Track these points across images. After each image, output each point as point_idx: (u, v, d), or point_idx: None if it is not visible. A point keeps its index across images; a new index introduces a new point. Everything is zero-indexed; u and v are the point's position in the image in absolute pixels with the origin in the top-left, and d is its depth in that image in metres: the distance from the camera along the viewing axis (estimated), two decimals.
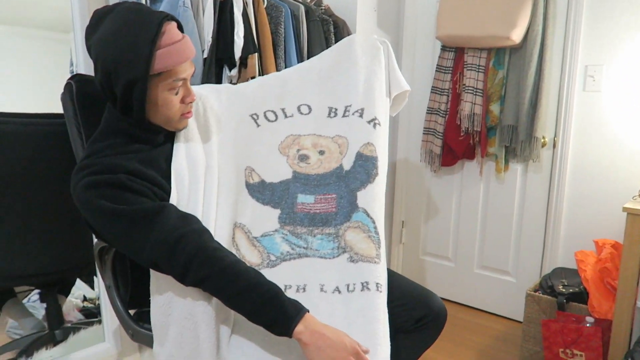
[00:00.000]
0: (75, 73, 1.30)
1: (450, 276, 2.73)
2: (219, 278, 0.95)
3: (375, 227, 1.15)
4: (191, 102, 1.11)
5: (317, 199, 1.22)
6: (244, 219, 1.19)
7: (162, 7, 1.58)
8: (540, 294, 2.02)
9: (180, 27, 1.10)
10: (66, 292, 2.23)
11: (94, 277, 2.14)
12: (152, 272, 1.08)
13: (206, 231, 1.03)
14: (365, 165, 1.22)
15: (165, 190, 1.10)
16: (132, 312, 1.31)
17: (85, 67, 1.70)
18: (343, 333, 0.95)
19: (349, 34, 2.26)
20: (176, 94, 1.07)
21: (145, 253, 0.99)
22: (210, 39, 1.63)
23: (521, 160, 2.36)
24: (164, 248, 0.97)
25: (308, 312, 0.96)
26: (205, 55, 1.64)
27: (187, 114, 1.13)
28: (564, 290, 1.96)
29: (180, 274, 0.97)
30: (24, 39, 2.05)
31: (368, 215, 1.16)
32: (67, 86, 1.24)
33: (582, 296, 1.92)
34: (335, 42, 2.15)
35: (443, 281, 2.75)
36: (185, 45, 1.05)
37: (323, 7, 2.26)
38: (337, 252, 1.14)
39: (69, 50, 2.08)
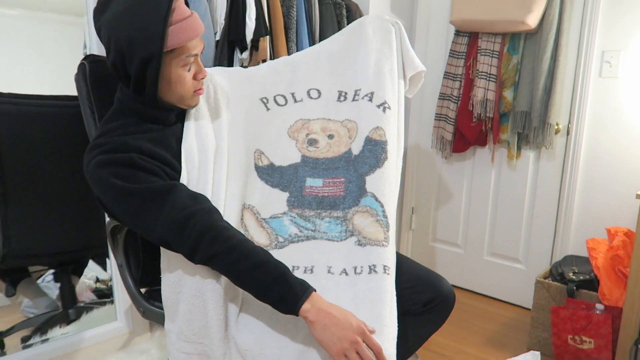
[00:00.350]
0: (88, 54, 1.31)
1: (460, 263, 2.72)
2: (228, 256, 0.96)
3: (383, 211, 1.15)
4: (203, 78, 1.12)
5: (326, 183, 1.22)
6: (253, 201, 1.20)
7: None
8: (550, 281, 2.01)
9: (187, 3, 1.11)
10: (79, 273, 2.27)
11: (107, 259, 2.17)
12: (162, 250, 1.10)
13: (215, 210, 1.04)
14: (374, 150, 1.22)
15: (176, 169, 1.11)
16: (143, 290, 1.33)
17: (98, 49, 1.71)
18: (349, 312, 0.96)
19: None
20: (188, 70, 1.08)
21: (156, 231, 1.00)
22: (223, 21, 1.63)
23: (534, 147, 2.33)
24: (174, 226, 0.98)
25: (315, 291, 0.97)
26: (217, 38, 1.63)
27: (199, 90, 1.14)
28: (574, 277, 1.95)
29: (189, 252, 0.98)
30: (39, 22, 2.06)
31: (377, 199, 1.16)
32: (81, 67, 1.25)
33: (592, 284, 1.91)
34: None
35: (453, 268, 2.75)
36: (195, 21, 1.06)
37: None
38: (345, 235, 1.14)
39: (79, 34, 2.10)
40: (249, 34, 1.64)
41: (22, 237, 1.73)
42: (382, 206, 1.15)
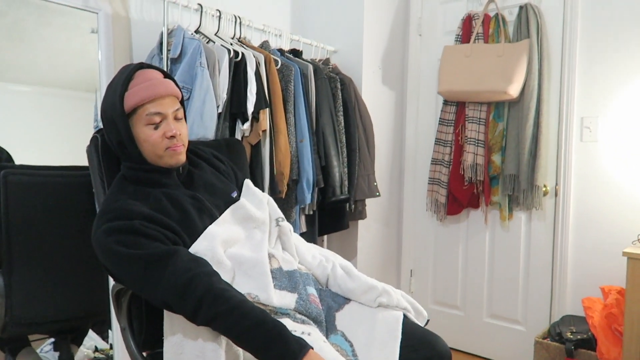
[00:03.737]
0: (99, 128, 1.42)
1: (460, 325, 2.72)
2: (228, 316, 1.00)
3: (353, 350, 1.16)
4: (173, 137, 1.20)
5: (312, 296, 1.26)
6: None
7: (181, 68, 1.72)
8: (549, 341, 2.02)
9: (166, 75, 1.25)
10: (79, 342, 2.26)
11: (109, 330, 2.17)
12: (165, 313, 1.14)
13: (215, 273, 1.09)
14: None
15: (177, 233, 1.16)
16: (145, 354, 1.36)
17: None
18: None
19: (355, 91, 2.40)
20: (155, 128, 1.19)
21: (159, 294, 1.06)
22: (225, 96, 1.76)
23: (524, 209, 2.41)
24: (176, 289, 1.03)
25: (312, 349, 0.99)
26: (220, 110, 1.76)
27: (174, 147, 1.21)
28: (572, 337, 1.97)
29: (191, 314, 1.03)
30: (50, 97, 2.18)
31: (346, 339, 1.19)
32: (93, 139, 1.35)
33: (590, 343, 1.92)
34: (342, 98, 2.30)
35: (453, 330, 2.74)
36: (157, 83, 1.19)
37: (330, 66, 2.41)
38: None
39: (91, 108, 2.23)
40: (250, 107, 1.77)
41: (25, 305, 1.75)
42: (351, 345, 1.18)
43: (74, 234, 1.81)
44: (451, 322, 2.75)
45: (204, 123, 1.68)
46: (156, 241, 1.10)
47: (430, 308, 2.84)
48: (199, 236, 1.19)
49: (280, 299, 1.18)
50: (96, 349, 2.36)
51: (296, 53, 2.29)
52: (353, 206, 2.34)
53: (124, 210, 1.13)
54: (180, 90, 1.29)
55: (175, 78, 1.68)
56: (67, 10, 1.79)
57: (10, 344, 2.04)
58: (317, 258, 1.39)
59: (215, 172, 1.39)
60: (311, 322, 1.17)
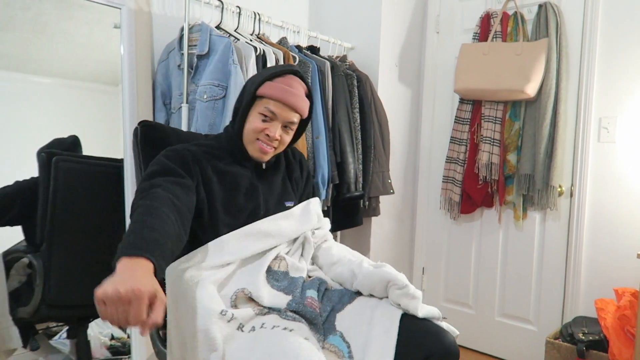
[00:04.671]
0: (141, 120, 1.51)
1: (471, 323, 2.73)
2: (133, 208, 1.08)
3: (350, 352, 1.15)
4: (267, 137, 1.30)
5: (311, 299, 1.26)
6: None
7: (214, 65, 1.76)
8: (561, 342, 2.02)
9: (309, 90, 1.38)
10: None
11: None
12: (168, 290, 1.17)
13: (168, 199, 1.10)
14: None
15: (198, 193, 1.24)
16: (161, 333, 1.39)
17: (130, 114, 1.88)
18: (149, 281, 0.87)
19: (371, 88, 2.41)
20: (263, 121, 1.29)
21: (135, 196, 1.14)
22: None
23: (539, 209, 2.41)
24: (138, 191, 1.14)
25: (152, 262, 0.91)
26: None
27: (262, 145, 1.31)
28: (584, 337, 1.97)
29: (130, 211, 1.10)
30: (71, 90, 2.23)
31: (344, 339, 1.18)
32: (134, 130, 1.45)
33: (602, 344, 1.92)
34: (359, 95, 2.31)
35: (464, 328, 2.75)
36: (294, 95, 1.29)
37: (347, 63, 2.43)
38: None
39: (111, 101, 2.28)
40: None
41: (60, 288, 1.83)
42: (349, 346, 1.16)
43: (106, 222, 1.91)
44: (462, 320, 2.76)
45: None
46: (185, 172, 1.22)
47: (442, 306, 2.85)
48: (232, 216, 1.29)
49: (272, 298, 1.21)
50: (112, 337, 2.41)
51: (314, 50, 2.31)
52: (367, 203, 2.36)
53: (190, 146, 1.31)
54: (310, 114, 1.41)
55: (208, 75, 1.75)
56: (90, 4, 1.83)
57: (22, 331, 2.08)
58: (347, 257, 1.40)
59: (285, 177, 1.46)
60: (302, 321, 1.17)
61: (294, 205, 1.44)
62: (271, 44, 2.02)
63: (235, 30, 1.98)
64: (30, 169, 1.86)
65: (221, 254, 1.24)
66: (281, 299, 1.22)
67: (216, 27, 1.93)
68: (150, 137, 1.43)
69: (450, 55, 2.76)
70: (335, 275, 1.38)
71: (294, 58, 2.02)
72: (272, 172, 1.43)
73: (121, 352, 2.29)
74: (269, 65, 1.84)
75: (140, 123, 1.44)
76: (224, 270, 1.23)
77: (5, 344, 1.76)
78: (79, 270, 1.85)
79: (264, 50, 1.85)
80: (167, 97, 1.98)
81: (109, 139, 2.22)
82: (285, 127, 1.34)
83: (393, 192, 2.46)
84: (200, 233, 1.28)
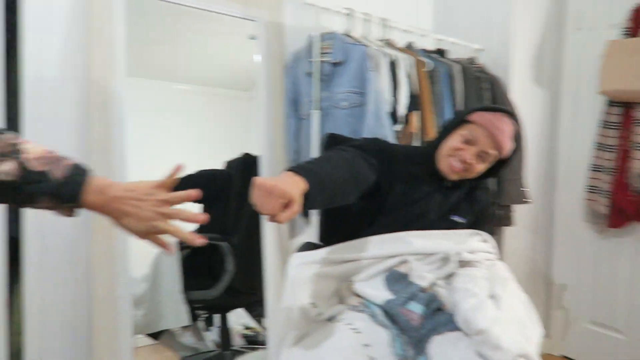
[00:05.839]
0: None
1: (621, 351, 2.42)
2: None
3: None
4: (461, 159, 1.34)
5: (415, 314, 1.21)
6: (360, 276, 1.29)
7: (351, 73, 1.82)
8: None
9: (518, 136, 1.40)
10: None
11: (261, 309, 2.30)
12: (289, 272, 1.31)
13: (347, 160, 1.24)
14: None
15: (380, 187, 1.34)
16: None
17: (266, 119, 1.99)
18: (294, 190, 0.99)
19: (502, 91, 2.28)
20: (461, 142, 1.35)
21: None
22: (390, 97, 1.82)
23: None
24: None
25: (304, 182, 1.03)
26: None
27: (455, 165, 1.35)
28: None
29: None
30: (208, 96, 2.42)
31: None
32: (322, 138, 1.70)
33: None
34: (490, 99, 2.20)
35: (612, 355, 2.45)
36: (498, 128, 1.33)
37: (477, 65, 2.33)
38: None
39: (242, 105, 2.44)
40: (402, 109, 1.79)
41: (245, 274, 2.06)
42: None
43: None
44: (610, 346, 2.46)
45: (381, 123, 1.77)
46: (373, 159, 1.33)
47: (587, 328, 2.57)
48: (397, 213, 1.37)
49: (371, 288, 1.23)
50: (246, 327, 2.54)
51: (441, 53, 2.26)
52: (500, 212, 2.23)
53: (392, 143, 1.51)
54: (510, 158, 1.42)
55: (346, 83, 1.82)
56: (225, 17, 1.97)
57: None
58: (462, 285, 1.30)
59: (465, 194, 1.46)
60: (393, 329, 1.15)
61: (464, 222, 1.44)
62: (399, 49, 2.01)
63: (363, 37, 2.00)
64: (171, 166, 2.07)
65: (358, 251, 1.29)
66: (380, 294, 1.22)
67: (345, 35, 1.96)
68: (330, 143, 1.58)
69: (592, 54, 2.50)
70: (452, 302, 1.28)
71: (424, 63, 1.99)
72: (453, 189, 1.45)
73: (253, 342, 2.39)
74: (400, 72, 1.83)
75: (326, 135, 1.64)
76: (349, 264, 1.29)
77: (174, 321, 1.95)
78: (260, 260, 2.03)
79: (395, 56, 1.84)
80: (296, 104, 2.05)
81: (240, 139, 2.39)
82: (481, 156, 1.35)
83: (529, 201, 2.29)
84: (359, 210, 1.39)
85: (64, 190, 0.75)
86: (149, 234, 0.83)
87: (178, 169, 0.90)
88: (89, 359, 1.66)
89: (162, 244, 0.84)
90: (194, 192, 0.87)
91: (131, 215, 0.80)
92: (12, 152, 0.72)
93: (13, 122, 1.75)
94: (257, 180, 0.96)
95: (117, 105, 1.67)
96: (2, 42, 1.55)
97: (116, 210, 0.80)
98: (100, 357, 1.63)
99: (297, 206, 0.97)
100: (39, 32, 1.60)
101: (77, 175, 0.77)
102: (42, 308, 1.62)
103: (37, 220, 1.58)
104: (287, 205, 0.96)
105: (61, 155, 0.77)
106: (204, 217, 0.87)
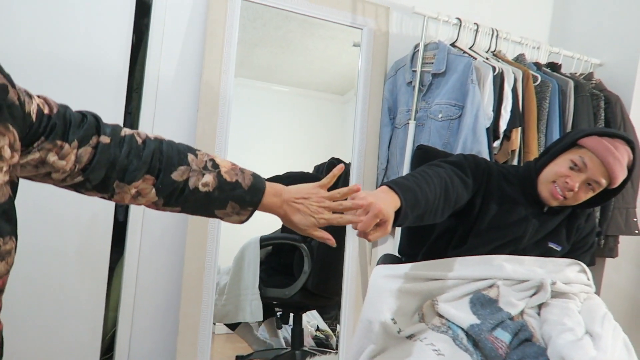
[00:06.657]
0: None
1: None
2: None
3: None
4: (566, 184, 1.24)
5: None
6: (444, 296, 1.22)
7: (452, 84, 1.75)
8: None
9: (634, 164, 1.27)
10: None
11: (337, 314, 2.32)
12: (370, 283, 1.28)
13: (443, 178, 1.19)
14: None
15: (473, 204, 1.29)
16: None
17: (361, 125, 1.98)
18: (389, 209, 0.99)
19: (622, 110, 2.08)
20: (569, 167, 1.24)
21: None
22: (492, 113, 1.72)
23: None
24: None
25: (400, 200, 1.01)
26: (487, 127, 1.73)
27: (557, 191, 1.26)
28: None
29: None
30: (304, 98, 2.47)
31: None
32: (414, 151, 1.65)
33: None
34: (605, 118, 2.02)
35: None
36: (614, 156, 1.21)
37: (594, 81, 2.14)
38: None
39: (336, 109, 2.46)
40: (503, 125, 1.70)
41: (321, 278, 2.10)
42: None
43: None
44: None
45: (477, 138, 1.69)
46: (467, 183, 1.26)
47: None
48: (490, 235, 1.30)
49: (455, 309, 1.16)
50: (318, 328, 2.57)
51: (554, 67, 2.11)
52: (603, 241, 2.05)
53: (484, 159, 1.36)
54: (620, 187, 1.30)
55: (445, 94, 1.75)
56: (329, 23, 1.98)
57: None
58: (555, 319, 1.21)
59: (565, 221, 1.38)
60: (471, 352, 1.08)
61: (560, 250, 1.35)
62: (508, 62, 1.91)
63: (470, 48, 1.92)
64: (267, 164, 2.18)
65: (445, 270, 1.25)
66: (464, 318, 1.15)
67: (451, 45, 1.89)
68: (422, 158, 1.54)
69: None
70: (542, 333, 1.20)
71: (535, 78, 1.87)
72: (552, 215, 1.35)
73: (324, 344, 2.42)
74: (506, 86, 1.72)
75: (419, 147, 1.59)
76: (434, 283, 1.24)
77: (250, 315, 2.03)
78: (336, 265, 2.05)
79: (502, 69, 1.74)
80: (393, 113, 2.02)
81: (332, 143, 2.40)
82: (589, 184, 1.25)
83: (639, 233, 2.08)
84: (447, 228, 1.35)
85: (250, 195, 0.90)
86: (315, 227, 0.95)
87: (340, 169, 0.99)
88: (174, 339, 1.78)
89: (326, 238, 0.96)
90: (354, 187, 0.97)
91: (301, 212, 0.94)
92: (211, 167, 0.88)
93: (132, 116, 1.91)
94: (359, 194, 0.96)
95: (225, 105, 1.76)
96: (129, 43, 1.69)
97: (289, 209, 0.94)
98: (183, 339, 1.73)
99: (389, 227, 0.96)
100: (161, 35, 1.73)
101: (259, 183, 0.92)
102: (137, 289, 1.75)
103: (140, 208, 1.70)
104: (379, 224, 0.95)
105: (242, 167, 0.93)
106: (360, 196, 0.95)
